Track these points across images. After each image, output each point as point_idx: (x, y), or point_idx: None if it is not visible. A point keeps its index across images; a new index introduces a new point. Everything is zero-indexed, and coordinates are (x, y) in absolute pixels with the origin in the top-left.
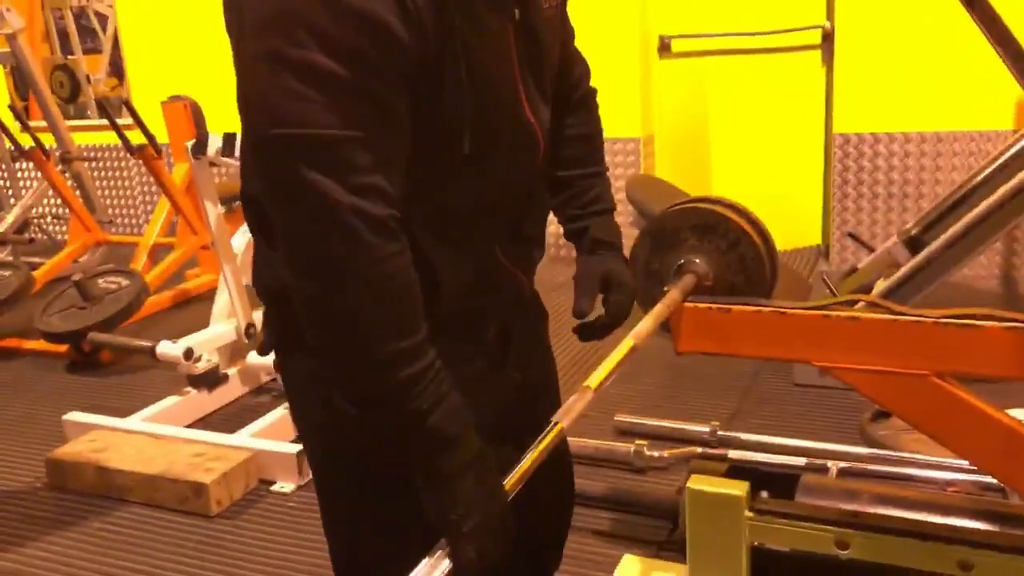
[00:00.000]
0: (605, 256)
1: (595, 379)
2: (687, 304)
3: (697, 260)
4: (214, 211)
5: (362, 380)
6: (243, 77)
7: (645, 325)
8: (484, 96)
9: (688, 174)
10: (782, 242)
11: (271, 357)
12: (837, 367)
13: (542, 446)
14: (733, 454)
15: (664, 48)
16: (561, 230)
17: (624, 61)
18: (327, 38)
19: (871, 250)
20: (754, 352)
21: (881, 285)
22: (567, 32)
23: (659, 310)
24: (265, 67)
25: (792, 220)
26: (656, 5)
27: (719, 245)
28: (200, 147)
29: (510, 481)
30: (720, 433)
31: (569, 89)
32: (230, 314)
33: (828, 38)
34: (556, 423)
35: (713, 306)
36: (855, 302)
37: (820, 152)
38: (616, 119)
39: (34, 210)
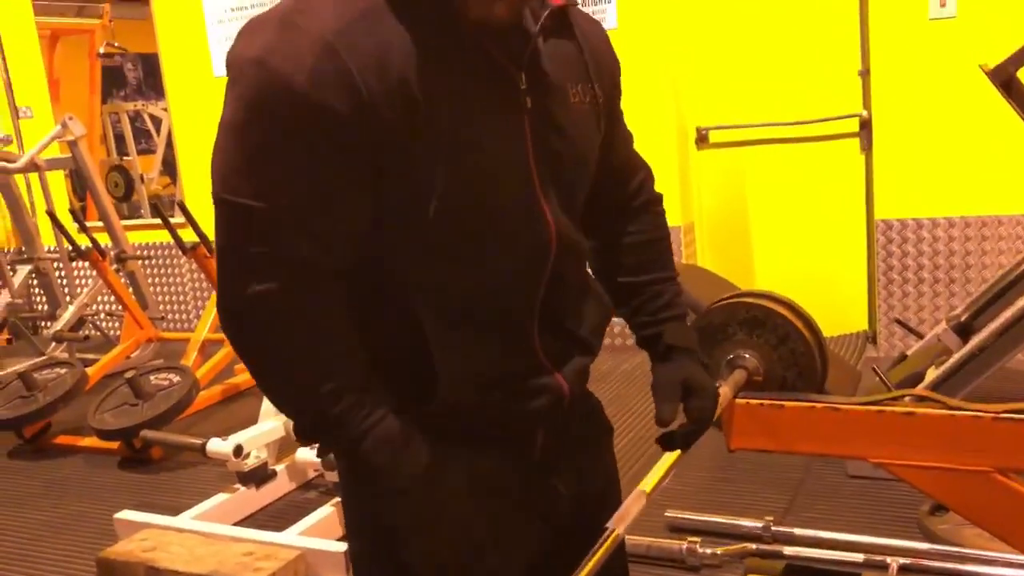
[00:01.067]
0: (682, 361)
1: (650, 482)
2: (739, 400)
3: (747, 355)
4: None
5: (299, 418)
6: (216, 138)
7: None
8: (475, 180)
9: (730, 262)
10: (827, 328)
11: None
12: (894, 464)
13: (598, 555)
14: (788, 551)
15: (701, 139)
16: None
17: (661, 151)
18: (275, 119)
19: (919, 336)
20: (808, 449)
21: (933, 374)
22: (620, 135)
23: None
24: (224, 137)
25: (836, 306)
26: (692, 98)
27: (768, 340)
28: None
29: None
30: (774, 528)
31: (630, 195)
32: (278, 411)
33: (866, 125)
34: (611, 530)
35: (765, 402)
36: (910, 396)
37: (862, 238)
38: None
39: (89, 307)
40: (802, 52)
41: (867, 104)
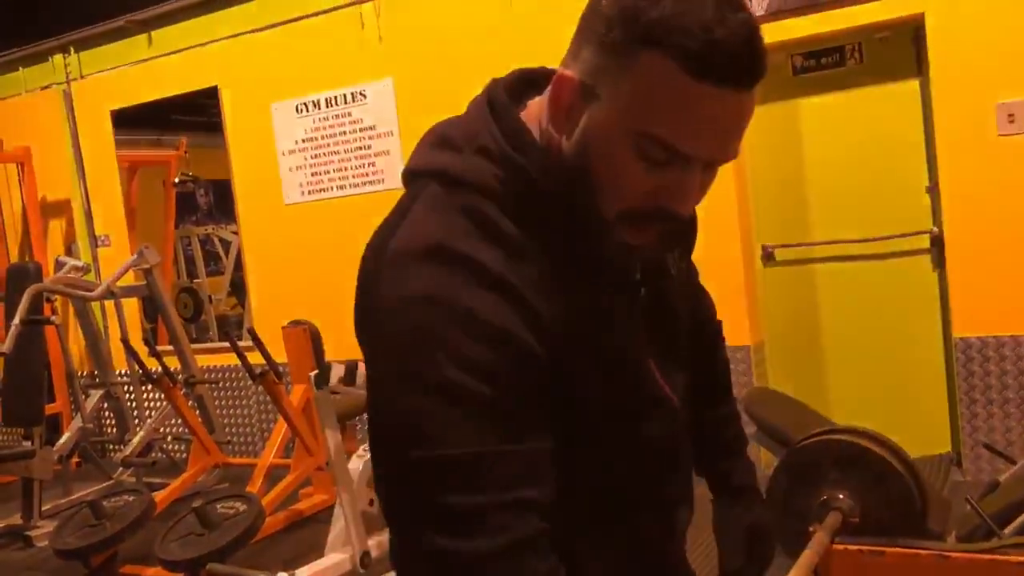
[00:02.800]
0: (748, 504)
1: None
2: (836, 547)
3: (841, 496)
4: (334, 438)
5: None
6: (378, 397)
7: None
8: (612, 385)
9: (802, 382)
10: (909, 450)
11: None
12: None
13: None
14: None
15: (768, 257)
16: None
17: (728, 270)
18: (466, 357)
19: (1011, 461)
20: None
21: None
22: (693, 274)
23: (808, 557)
24: (401, 386)
25: (917, 427)
26: (758, 216)
27: (864, 479)
28: (323, 378)
29: None
30: None
31: (700, 328)
32: (346, 542)
33: (937, 242)
34: None
35: (865, 548)
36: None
37: (939, 356)
38: (724, 327)
39: (157, 432)
40: (867, 169)
41: (937, 220)
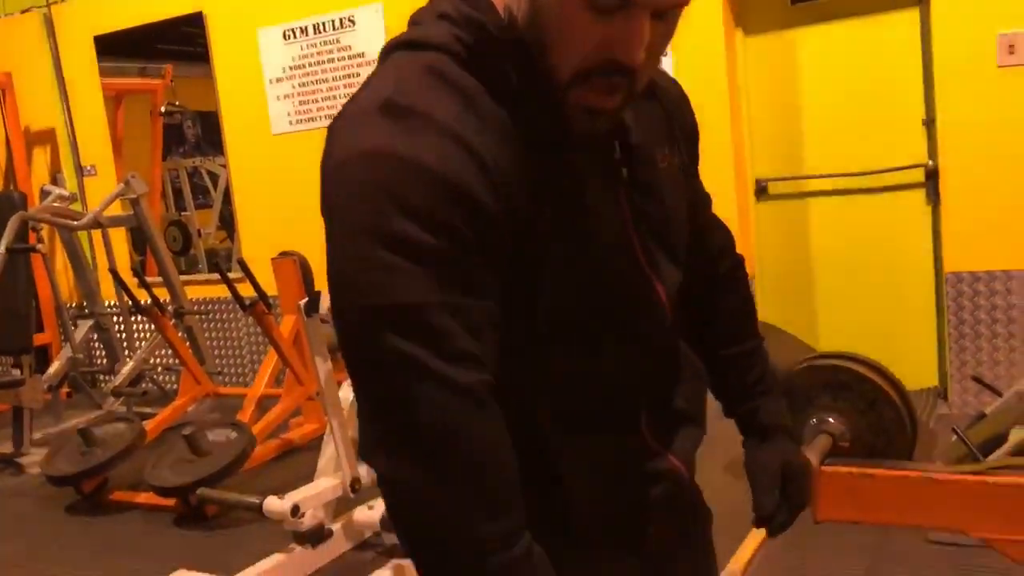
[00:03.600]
0: (779, 443)
1: (741, 560)
2: (825, 468)
3: (831, 420)
4: (324, 366)
5: (451, 568)
6: (331, 251)
7: None
8: (589, 260)
9: (793, 316)
10: None
11: (376, 512)
12: (1000, 539)
13: None
14: None
15: (761, 191)
16: None
17: (720, 203)
18: (416, 208)
19: (997, 394)
20: (901, 520)
21: (1018, 435)
22: (701, 197)
23: None
24: (354, 239)
25: (904, 361)
26: (751, 149)
27: (856, 404)
28: (312, 306)
29: None
30: None
31: (712, 261)
32: (336, 468)
33: (932, 176)
34: None
35: (854, 471)
36: (1014, 466)
37: (930, 291)
38: None
39: (147, 362)
40: (863, 101)
41: (933, 153)
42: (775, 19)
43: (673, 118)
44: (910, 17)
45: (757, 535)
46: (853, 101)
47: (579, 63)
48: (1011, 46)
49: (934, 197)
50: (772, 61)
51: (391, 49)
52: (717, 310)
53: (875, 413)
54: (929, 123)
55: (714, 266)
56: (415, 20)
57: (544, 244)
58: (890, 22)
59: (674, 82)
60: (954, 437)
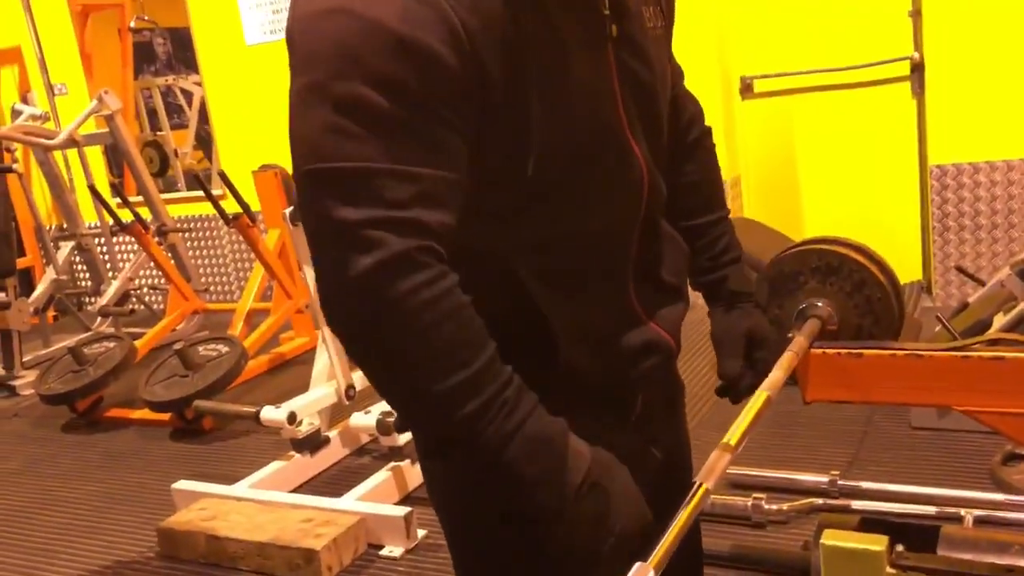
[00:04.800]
0: (745, 310)
1: (734, 436)
2: (814, 351)
3: (820, 303)
4: (313, 277)
5: (424, 423)
6: (290, 112)
7: (776, 375)
8: (571, 120)
9: (779, 213)
10: None
11: (372, 417)
12: (982, 411)
13: (687, 512)
14: (856, 505)
15: (746, 89)
16: None
17: (705, 103)
18: (370, 69)
19: (980, 284)
20: (889, 398)
21: (1001, 320)
22: (675, 67)
23: (788, 359)
24: (307, 100)
25: (890, 255)
26: (735, 47)
27: (842, 287)
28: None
29: (656, 556)
30: (840, 483)
31: (682, 132)
32: (330, 376)
33: (917, 68)
34: (700, 484)
35: (843, 351)
36: (995, 341)
37: (915, 184)
38: None
39: (133, 281)
40: None
41: (918, 46)
42: None
43: None
44: None
45: (749, 412)
46: None
47: None
48: None
49: (919, 90)
50: None
51: None
52: (684, 182)
53: (862, 295)
54: (915, 15)
55: (684, 136)
56: None
57: (527, 104)
58: None
59: None
60: (938, 327)
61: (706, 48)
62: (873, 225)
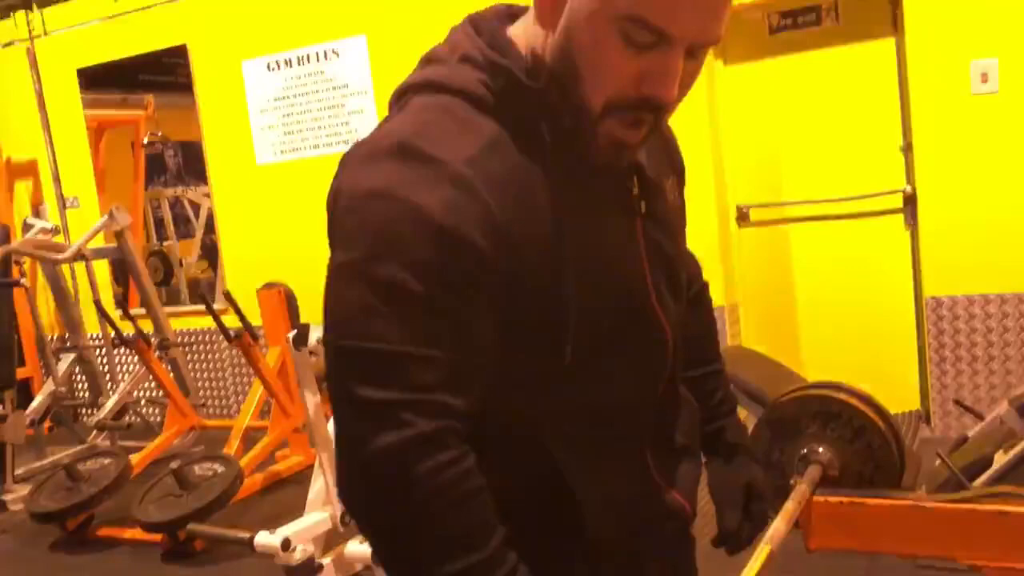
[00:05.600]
0: (743, 463)
1: None
2: (816, 498)
3: (821, 449)
4: (312, 400)
5: None
6: (327, 285)
7: (779, 527)
8: (605, 296)
9: (777, 341)
10: None
11: (367, 546)
12: (988, 566)
13: None
14: None
15: (742, 217)
16: None
17: (702, 230)
18: (409, 255)
19: (979, 417)
20: (893, 549)
21: (1002, 458)
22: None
23: (790, 508)
24: (346, 277)
25: (887, 385)
26: (732, 175)
27: (843, 433)
28: (301, 338)
29: None
30: None
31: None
32: (325, 501)
33: (910, 201)
34: None
35: (845, 500)
36: (1001, 494)
37: (910, 315)
38: None
39: (131, 395)
40: (842, 128)
41: (910, 179)
42: (754, 49)
43: (673, 151)
44: (886, 46)
45: (755, 563)
46: (832, 128)
47: (612, 96)
48: (984, 74)
49: (912, 222)
50: (752, 89)
51: (410, 89)
52: (686, 332)
53: (863, 442)
54: (906, 149)
55: (687, 290)
56: (433, 58)
57: (561, 285)
58: (866, 51)
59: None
60: (938, 461)
61: (703, 176)
62: (871, 354)
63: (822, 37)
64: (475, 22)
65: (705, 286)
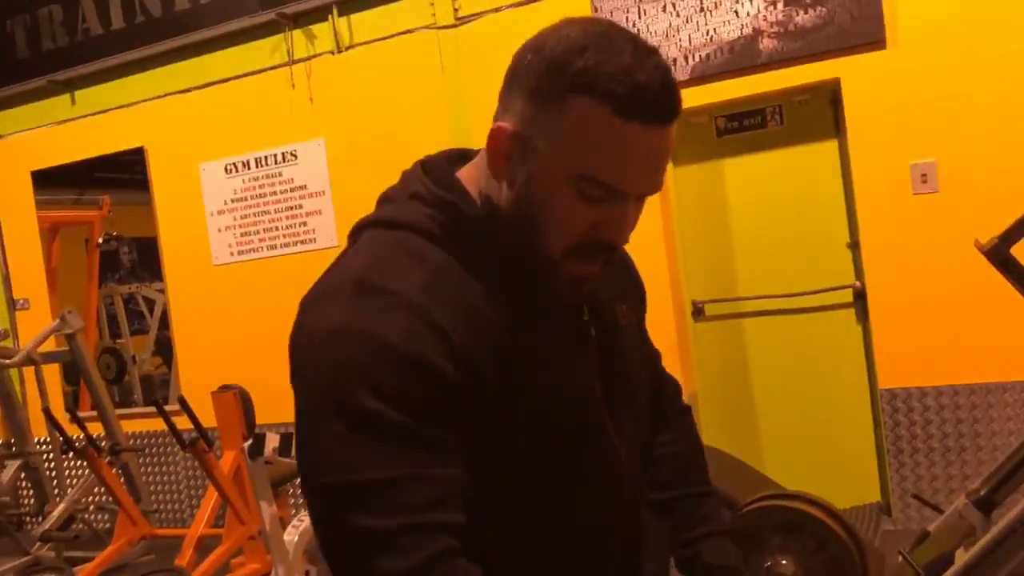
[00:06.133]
0: None
1: None
2: None
3: (785, 562)
4: (268, 509)
5: None
6: (300, 428)
7: None
8: (556, 417)
9: (736, 435)
10: (839, 500)
11: None
12: None
13: None
14: None
15: (698, 312)
16: None
17: (658, 325)
18: (379, 385)
19: (939, 511)
20: None
21: (963, 556)
22: (653, 352)
23: None
24: (319, 416)
25: (847, 477)
26: (686, 272)
27: (806, 544)
28: (257, 448)
29: None
30: None
31: (665, 406)
32: None
33: (860, 296)
34: None
35: None
36: None
37: (866, 407)
38: None
39: (80, 502)
40: (790, 226)
41: (859, 275)
42: (703, 150)
43: (624, 276)
44: (829, 147)
45: None
46: (781, 226)
47: (571, 242)
48: (924, 175)
49: (863, 316)
50: (702, 190)
51: (363, 227)
52: (657, 454)
53: (826, 553)
54: (854, 246)
55: (666, 410)
56: (386, 198)
57: (515, 406)
58: (811, 152)
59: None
60: (900, 559)
61: (659, 273)
62: (830, 447)
63: (768, 139)
64: (425, 164)
65: (686, 409)
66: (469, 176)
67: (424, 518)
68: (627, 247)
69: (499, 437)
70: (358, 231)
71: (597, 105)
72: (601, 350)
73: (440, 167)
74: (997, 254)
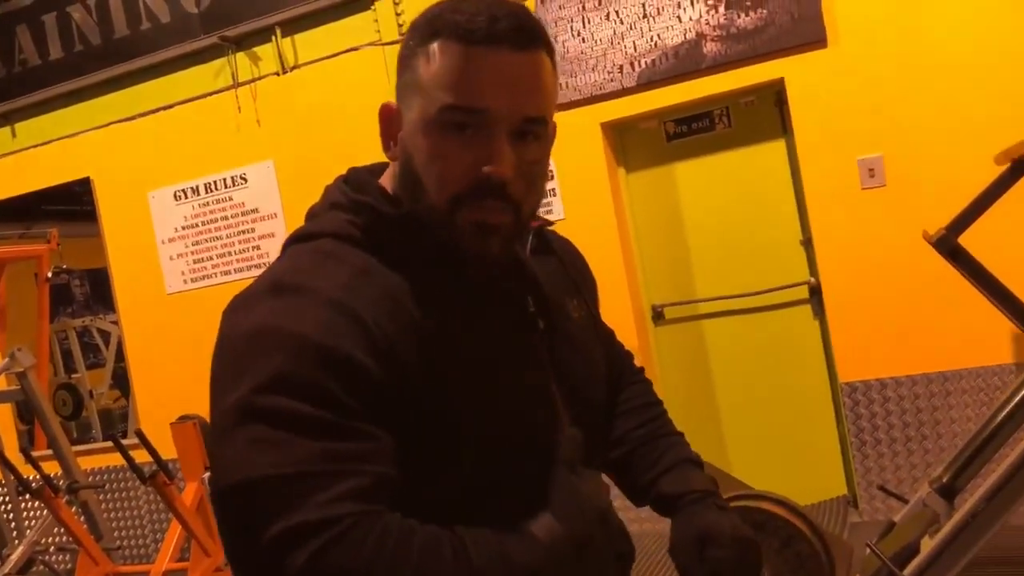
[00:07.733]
0: (694, 509)
1: None
2: None
3: None
4: None
5: None
6: (214, 433)
7: None
8: (504, 417)
9: (700, 435)
10: (806, 495)
11: None
12: None
13: None
14: None
15: (658, 316)
16: None
17: (619, 330)
18: (295, 381)
19: (903, 501)
20: None
21: (928, 543)
22: (606, 332)
23: None
24: (230, 419)
25: (813, 472)
26: (645, 277)
27: (771, 543)
28: None
29: None
30: None
31: (624, 372)
32: None
33: (816, 292)
34: None
35: None
36: None
37: (828, 401)
38: None
39: (39, 544)
40: (744, 226)
41: (814, 271)
42: (653, 156)
43: (573, 270)
44: (777, 147)
45: None
46: (735, 226)
47: (454, 188)
48: (871, 170)
49: (820, 311)
50: (655, 195)
51: (289, 243)
52: (621, 407)
53: (791, 551)
54: (807, 243)
55: (624, 374)
56: (311, 214)
57: (454, 404)
58: (760, 152)
59: (567, 240)
60: (867, 550)
61: (617, 278)
62: (795, 442)
63: (717, 141)
64: (346, 175)
65: (639, 369)
66: (387, 180)
67: (340, 510)
68: (584, 254)
69: (443, 434)
70: (284, 248)
71: (444, 42)
72: (553, 343)
73: (360, 176)
74: (945, 244)
